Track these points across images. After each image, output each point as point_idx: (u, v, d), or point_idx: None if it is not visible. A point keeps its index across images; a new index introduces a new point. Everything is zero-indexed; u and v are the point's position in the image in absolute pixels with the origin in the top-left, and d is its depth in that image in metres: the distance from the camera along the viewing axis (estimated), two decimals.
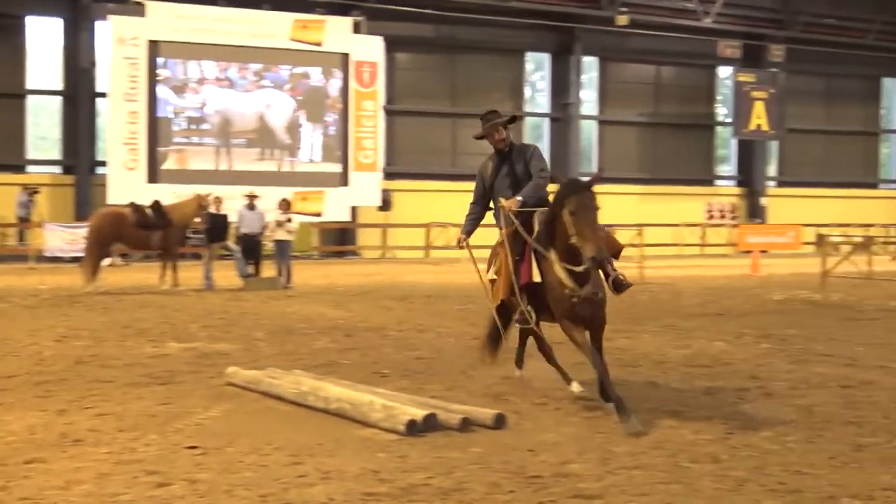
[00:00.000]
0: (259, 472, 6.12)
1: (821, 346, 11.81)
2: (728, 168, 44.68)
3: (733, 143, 43.76)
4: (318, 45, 33.84)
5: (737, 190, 43.45)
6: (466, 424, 7.21)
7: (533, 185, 8.25)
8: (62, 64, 33.43)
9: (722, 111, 44.16)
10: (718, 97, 44.01)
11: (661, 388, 9.03)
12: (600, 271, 7.93)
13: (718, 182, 44.12)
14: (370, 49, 34.61)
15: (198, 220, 21.21)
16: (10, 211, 31.42)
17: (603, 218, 7.78)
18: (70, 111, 33.22)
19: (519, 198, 8.16)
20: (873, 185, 46.86)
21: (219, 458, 6.45)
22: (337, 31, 34.05)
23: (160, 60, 32.21)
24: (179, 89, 32.73)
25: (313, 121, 34.39)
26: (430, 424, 7.13)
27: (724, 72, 43.63)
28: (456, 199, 34.08)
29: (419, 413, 7.19)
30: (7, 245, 30.96)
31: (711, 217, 42.09)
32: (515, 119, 8.57)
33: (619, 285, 8.07)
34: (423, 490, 5.72)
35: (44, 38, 33.61)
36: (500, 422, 7.32)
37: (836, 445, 6.77)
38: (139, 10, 31.59)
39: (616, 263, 8.37)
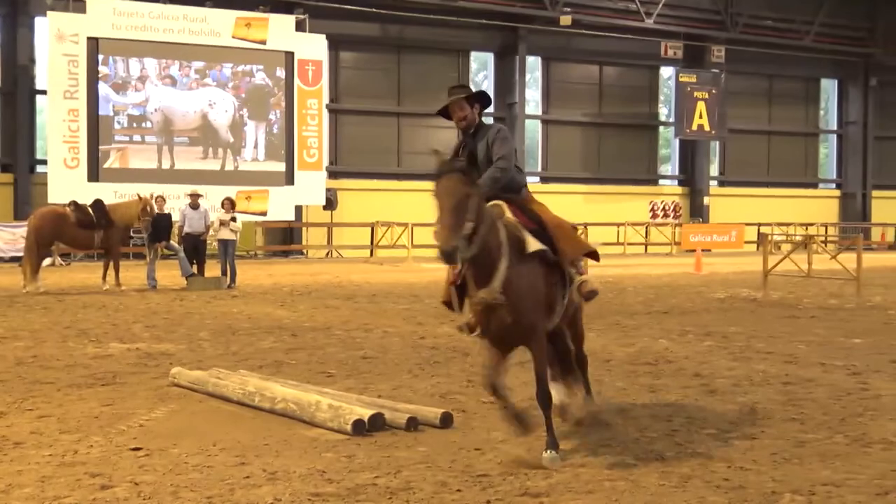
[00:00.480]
0: (205, 473, 6.07)
1: (762, 344, 11.97)
2: (671, 168, 45.13)
3: (676, 143, 44.20)
4: (262, 42, 33.63)
5: (679, 189, 43.88)
6: (413, 424, 7.21)
7: (487, 176, 6.85)
8: (0, 60, 32.88)
9: (664, 111, 44.59)
10: (661, 97, 44.42)
11: (606, 385, 9.09)
12: (570, 276, 6.89)
13: (662, 181, 44.55)
14: (314, 47, 34.48)
15: (139, 223, 20.75)
16: None
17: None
18: (8, 109, 32.67)
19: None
20: (813, 185, 47.64)
21: (163, 459, 6.39)
22: (280, 29, 33.87)
23: (101, 57, 31.80)
24: (121, 87, 32.34)
25: (257, 119, 34.19)
26: (376, 424, 7.12)
27: (666, 72, 44.06)
28: (401, 199, 34.53)
29: (366, 413, 7.17)
30: None
31: (655, 216, 42.48)
32: (487, 100, 7.27)
33: (584, 292, 6.96)
34: (371, 490, 5.71)
35: None
36: (446, 421, 7.32)
37: (778, 442, 6.86)
38: (79, 7, 31.16)
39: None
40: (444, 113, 7.22)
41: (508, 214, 6.75)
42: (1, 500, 5.52)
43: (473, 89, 7.11)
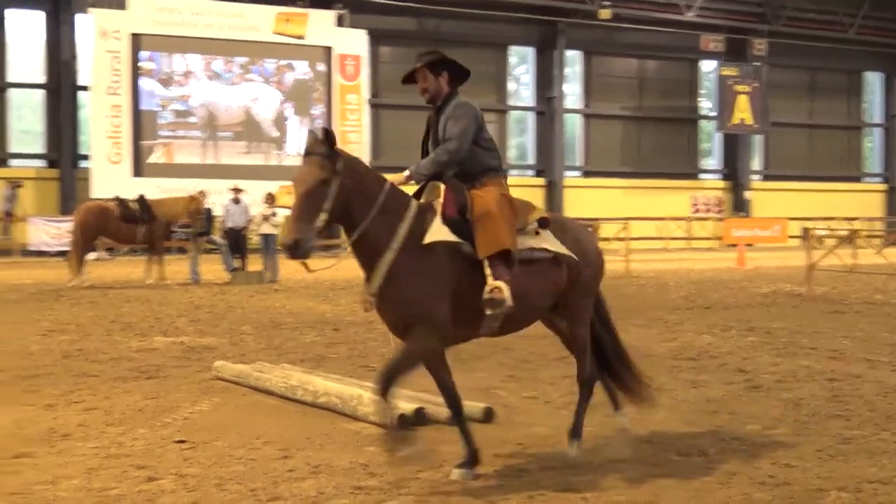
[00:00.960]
0: (248, 465, 6.11)
1: (806, 340, 11.84)
2: (713, 162, 44.82)
3: (717, 137, 43.90)
4: (301, 38, 33.79)
5: (721, 184, 43.60)
6: None
7: (430, 158, 6.14)
8: (44, 57, 33.30)
9: (706, 105, 44.29)
10: (702, 91, 44.13)
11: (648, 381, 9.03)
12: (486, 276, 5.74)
13: (703, 176, 44.28)
14: (354, 42, 34.59)
15: (190, 220, 20.97)
16: None
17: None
18: (53, 104, 33.10)
19: (406, 172, 6.17)
20: (857, 179, 47.13)
21: (208, 452, 6.44)
22: (320, 25, 34.02)
23: (143, 54, 32.10)
24: (164, 82, 32.65)
25: (300, 114, 34.38)
26: (419, 418, 7.12)
27: (707, 66, 43.75)
28: None
29: (408, 407, 7.18)
30: None
31: (697, 210, 42.22)
32: (458, 69, 6.47)
33: (486, 298, 5.72)
34: (413, 484, 5.72)
35: (25, 31, 33.46)
36: (489, 415, 7.32)
37: (824, 438, 6.78)
38: (120, 3, 31.50)
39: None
40: (407, 78, 6.48)
41: (440, 198, 5.96)
42: (48, 492, 5.58)
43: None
